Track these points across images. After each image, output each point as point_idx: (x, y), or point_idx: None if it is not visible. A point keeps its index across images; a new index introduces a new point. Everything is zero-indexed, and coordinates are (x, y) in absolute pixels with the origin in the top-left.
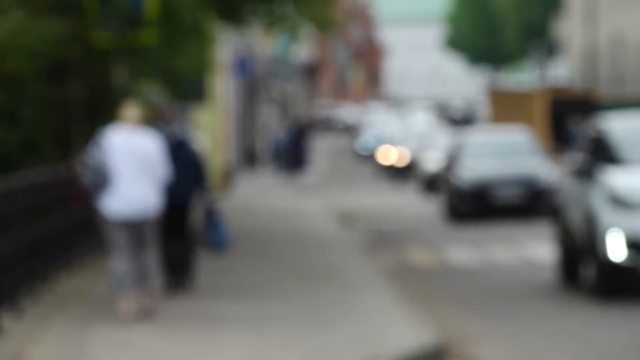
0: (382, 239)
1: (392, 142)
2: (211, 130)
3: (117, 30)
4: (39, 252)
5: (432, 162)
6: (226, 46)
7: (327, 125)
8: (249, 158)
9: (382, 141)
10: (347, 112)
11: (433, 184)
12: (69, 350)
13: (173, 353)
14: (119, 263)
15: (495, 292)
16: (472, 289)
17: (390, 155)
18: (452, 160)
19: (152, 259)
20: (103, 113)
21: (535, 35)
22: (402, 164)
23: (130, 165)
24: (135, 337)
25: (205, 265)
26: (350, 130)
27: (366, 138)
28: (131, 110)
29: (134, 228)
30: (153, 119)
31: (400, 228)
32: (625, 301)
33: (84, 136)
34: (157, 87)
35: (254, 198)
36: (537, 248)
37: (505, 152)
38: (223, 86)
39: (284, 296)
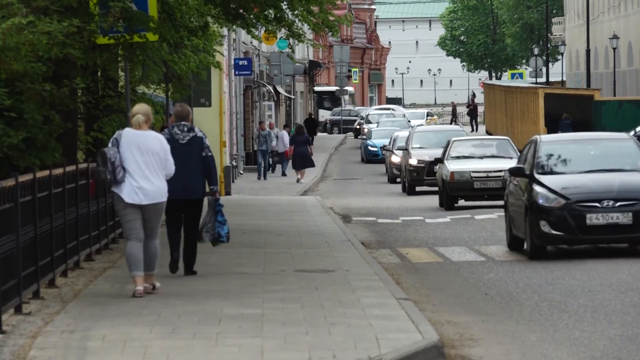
0: (383, 238)
1: (401, 144)
2: (211, 128)
3: (119, 31)
4: (42, 250)
5: (448, 166)
6: (227, 44)
7: (332, 125)
8: (249, 157)
9: (389, 143)
10: (352, 113)
11: (449, 189)
12: (71, 349)
13: (173, 353)
14: (131, 246)
15: (496, 290)
16: (472, 287)
17: (399, 158)
18: (528, 169)
19: (158, 244)
20: (106, 113)
21: (534, 39)
22: (412, 167)
23: (142, 160)
24: (137, 336)
25: (205, 260)
26: (356, 130)
27: (373, 140)
28: (140, 112)
29: (145, 215)
30: (178, 118)
31: (402, 226)
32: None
33: (87, 135)
34: (160, 90)
35: (253, 196)
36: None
37: (603, 158)
38: (223, 85)
39: (283, 294)
